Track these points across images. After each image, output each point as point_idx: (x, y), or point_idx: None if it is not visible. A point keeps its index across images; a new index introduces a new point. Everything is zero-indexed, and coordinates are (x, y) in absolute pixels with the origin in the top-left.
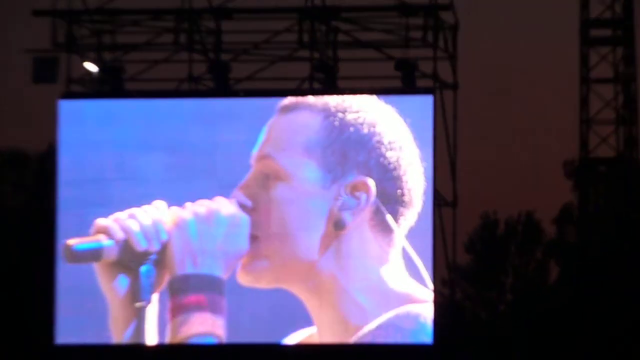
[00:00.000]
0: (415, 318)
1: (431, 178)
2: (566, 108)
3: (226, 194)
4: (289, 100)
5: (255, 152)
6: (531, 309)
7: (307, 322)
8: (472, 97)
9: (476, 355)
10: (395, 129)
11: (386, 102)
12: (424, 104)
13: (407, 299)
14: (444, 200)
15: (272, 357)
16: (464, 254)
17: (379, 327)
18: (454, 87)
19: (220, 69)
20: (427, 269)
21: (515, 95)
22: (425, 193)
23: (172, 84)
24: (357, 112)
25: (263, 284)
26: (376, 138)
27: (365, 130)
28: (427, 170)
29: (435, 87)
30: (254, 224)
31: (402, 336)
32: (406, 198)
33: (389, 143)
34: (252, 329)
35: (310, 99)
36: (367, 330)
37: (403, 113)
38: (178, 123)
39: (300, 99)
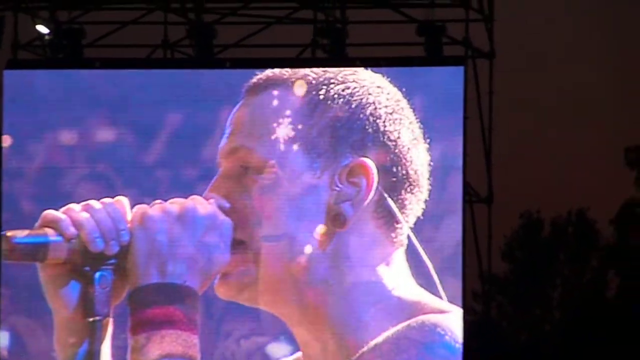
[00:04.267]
0: (432, 329)
1: (461, 168)
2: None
3: (205, 189)
4: (256, 79)
5: (223, 145)
6: (584, 330)
7: (290, 344)
8: (511, 68)
9: None
10: (390, 99)
11: (396, 74)
12: (451, 75)
13: (419, 309)
14: (476, 196)
15: None
16: (501, 262)
17: (387, 342)
18: (490, 56)
19: (203, 33)
20: (456, 279)
21: (565, 65)
22: (433, 176)
23: (143, 51)
24: (343, 82)
25: (244, 298)
26: (370, 111)
27: (356, 103)
28: (455, 158)
29: (467, 55)
30: (236, 227)
31: (417, 351)
32: (413, 181)
33: (386, 115)
34: (230, 352)
35: (283, 73)
36: (373, 344)
37: (421, 86)
38: (150, 100)
39: (270, 76)
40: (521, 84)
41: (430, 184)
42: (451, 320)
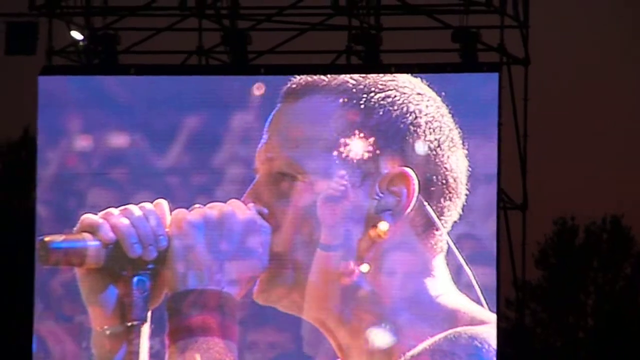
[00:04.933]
0: (469, 342)
1: (495, 175)
2: None
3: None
4: (295, 84)
5: (261, 150)
6: (618, 337)
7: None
8: (546, 75)
9: None
10: (430, 106)
11: (431, 80)
12: (486, 82)
13: (459, 318)
14: (511, 202)
15: None
16: (534, 269)
17: (423, 353)
18: (525, 62)
19: (237, 40)
20: (489, 287)
21: (600, 71)
22: (470, 181)
23: (178, 57)
24: (384, 90)
25: (284, 304)
26: (410, 120)
27: (397, 112)
28: (490, 164)
29: (502, 62)
30: (274, 233)
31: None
32: (452, 189)
33: (426, 124)
34: None
35: (322, 79)
36: (409, 356)
37: (455, 93)
38: (184, 106)
39: (310, 81)
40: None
41: (468, 190)
42: (488, 333)
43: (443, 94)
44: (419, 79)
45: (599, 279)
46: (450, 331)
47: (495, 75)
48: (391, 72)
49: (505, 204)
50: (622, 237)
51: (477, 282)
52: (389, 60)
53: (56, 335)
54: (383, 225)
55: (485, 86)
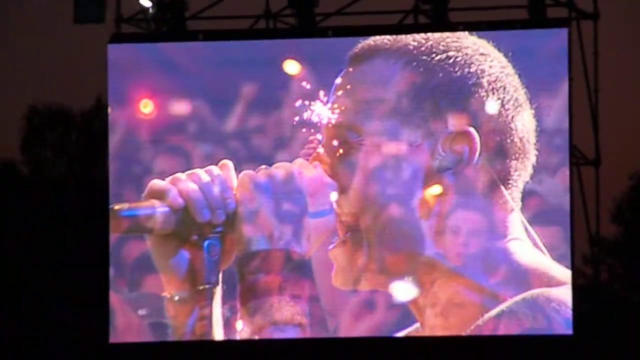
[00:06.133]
0: (546, 304)
1: (567, 131)
2: None
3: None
4: (359, 48)
5: (325, 113)
6: None
7: (408, 319)
8: (617, 30)
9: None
10: (494, 66)
11: (500, 38)
12: (556, 37)
13: (534, 277)
14: (584, 158)
15: (376, 354)
16: (610, 225)
17: (502, 315)
18: (595, 17)
19: (304, 3)
20: (564, 243)
21: None
22: (540, 141)
23: (246, 22)
24: (445, 51)
25: (362, 286)
26: (472, 80)
27: (458, 73)
28: (561, 120)
29: (571, 17)
30: (340, 195)
31: (529, 326)
32: (518, 149)
33: (489, 84)
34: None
35: (385, 42)
36: (487, 318)
37: (523, 50)
38: (252, 71)
39: (372, 45)
40: (626, 45)
41: (537, 149)
42: (565, 294)
43: (510, 53)
44: (484, 40)
45: None
46: (527, 293)
47: (565, 31)
48: (459, 30)
49: (578, 160)
50: None
51: (544, 240)
52: (457, 18)
53: (123, 306)
54: (436, 189)
55: (554, 42)
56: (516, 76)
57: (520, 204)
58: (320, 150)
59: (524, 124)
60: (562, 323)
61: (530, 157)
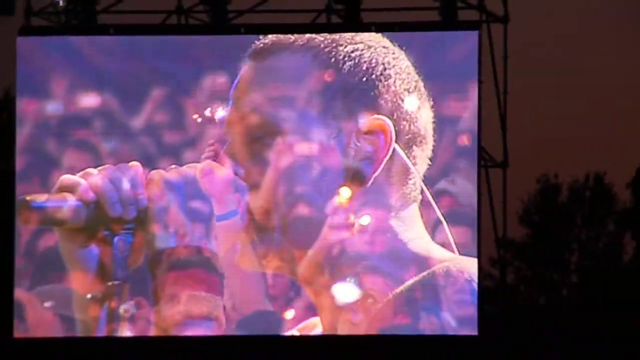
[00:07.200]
0: (457, 275)
1: (475, 133)
2: None
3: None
4: (262, 43)
5: (230, 109)
6: (601, 294)
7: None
8: (525, 32)
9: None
10: (397, 58)
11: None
12: (466, 40)
13: (431, 265)
14: (491, 160)
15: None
16: (518, 227)
17: (411, 289)
18: (505, 20)
19: None
20: (473, 244)
21: (580, 28)
22: (437, 133)
23: (157, 17)
24: (351, 44)
25: (270, 267)
26: (379, 71)
27: (366, 65)
28: (470, 122)
29: (482, 20)
30: (251, 192)
31: (445, 297)
32: (422, 138)
33: (395, 75)
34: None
35: (289, 37)
36: (398, 292)
37: (436, 51)
38: (163, 66)
39: (276, 40)
40: (536, 48)
41: (434, 142)
42: (474, 267)
43: (405, 48)
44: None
45: (582, 236)
46: (438, 266)
47: (475, 34)
48: (372, 31)
49: (486, 162)
50: (605, 194)
51: (454, 239)
52: (369, 19)
53: (32, 300)
54: (346, 192)
55: (464, 44)
56: (413, 68)
57: (426, 192)
58: (232, 148)
59: (425, 115)
60: (472, 295)
61: (430, 148)
